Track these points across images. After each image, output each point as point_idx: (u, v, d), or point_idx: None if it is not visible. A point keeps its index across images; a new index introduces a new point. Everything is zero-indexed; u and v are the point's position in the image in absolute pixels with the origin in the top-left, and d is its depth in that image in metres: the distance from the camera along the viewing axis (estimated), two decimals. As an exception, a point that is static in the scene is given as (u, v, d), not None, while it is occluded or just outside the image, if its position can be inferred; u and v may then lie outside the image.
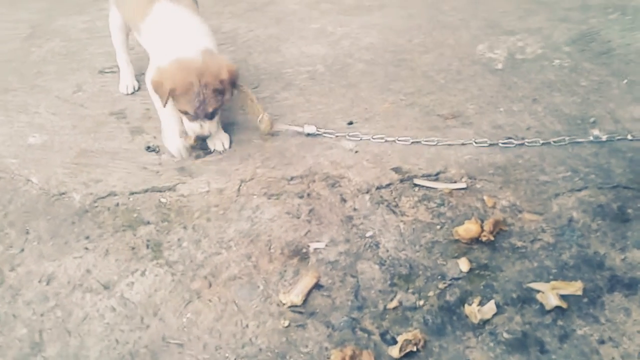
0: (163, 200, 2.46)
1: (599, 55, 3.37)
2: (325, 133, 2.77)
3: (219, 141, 2.74)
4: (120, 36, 3.16)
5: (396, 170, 2.55)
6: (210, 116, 2.62)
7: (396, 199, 2.42)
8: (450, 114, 2.90)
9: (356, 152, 2.67)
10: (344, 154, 2.66)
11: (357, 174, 2.55)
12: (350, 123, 2.87)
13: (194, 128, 2.62)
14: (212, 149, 2.74)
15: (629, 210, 2.31)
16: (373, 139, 2.72)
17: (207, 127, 2.62)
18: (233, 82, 2.65)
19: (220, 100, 2.61)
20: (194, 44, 2.61)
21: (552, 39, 3.58)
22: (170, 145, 2.70)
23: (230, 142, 2.77)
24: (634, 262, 2.10)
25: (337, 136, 2.76)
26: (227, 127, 2.83)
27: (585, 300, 1.98)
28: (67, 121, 2.97)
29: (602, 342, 1.87)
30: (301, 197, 2.45)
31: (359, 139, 2.74)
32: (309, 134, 2.77)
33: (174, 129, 2.70)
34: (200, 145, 2.73)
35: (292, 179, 2.54)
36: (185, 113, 2.59)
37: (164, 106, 2.59)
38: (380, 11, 4.10)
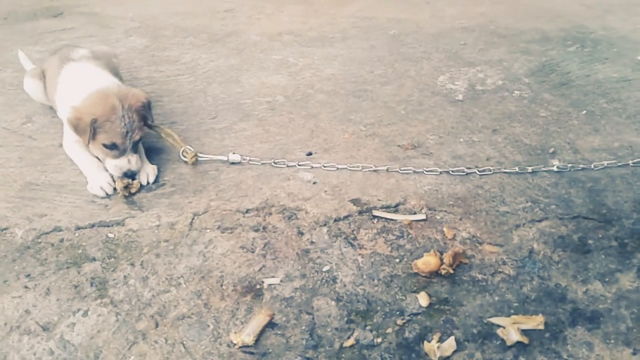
0: (111, 235, 2.34)
1: (558, 87, 3.39)
2: (251, 161, 2.73)
3: (144, 173, 2.62)
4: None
5: (355, 202, 2.49)
6: (135, 149, 2.56)
7: (354, 232, 2.34)
8: (410, 144, 2.85)
9: (314, 183, 2.60)
10: (302, 186, 2.59)
11: (315, 206, 2.47)
12: (310, 154, 2.81)
13: (122, 165, 2.52)
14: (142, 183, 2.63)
15: (590, 241, 2.27)
16: (324, 167, 2.67)
17: (135, 161, 2.55)
18: (150, 109, 2.64)
19: (143, 127, 2.58)
20: (107, 80, 2.64)
21: (512, 70, 3.61)
22: (94, 185, 2.54)
23: (157, 175, 2.66)
24: (596, 294, 2.05)
25: (263, 163, 2.72)
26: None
27: (547, 334, 1.91)
28: (13, 153, 2.84)
29: (565, 379, 1.80)
30: (256, 230, 2.36)
31: (285, 165, 2.72)
32: (232, 163, 2.73)
33: (96, 167, 2.59)
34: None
35: (247, 211, 2.45)
36: (111, 147, 2.50)
37: (88, 143, 2.50)
38: (342, 43, 4.10)
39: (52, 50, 3.40)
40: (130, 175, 2.55)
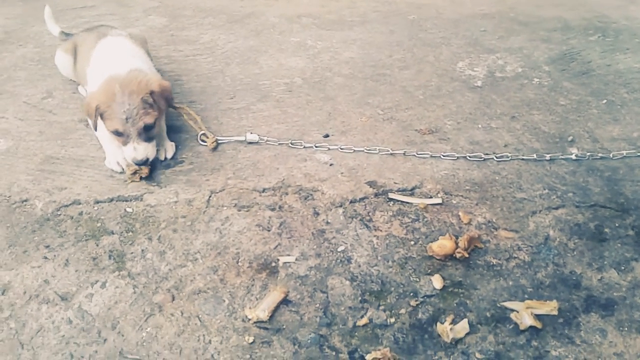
0: (129, 209, 2.37)
1: (578, 75, 3.36)
2: (268, 141, 2.74)
3: (162, 149, 2.65)
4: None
5: (371, 184, 2.49)
6: (144, 137, 2.50)
7: (370, 214, 2.35)
8: (428, 129, 2.85)
9: (331, 165, 2.61)
10: (319, 167, 2.60)
11: (331, 187, 2.48)
12: (327, 136, 2.81)
13: (128, 153, 2.50)
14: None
15: (606, 230, 2.26)
16: (342, 149, 2.68)
17: (142, 149, 2.49)
18: (166, 98, 2.59)
19: (152, 114, 2.51)
20: (124, 64, 2.60)
21: (533, 58, 3.58)
22: (111, 160, 2.59)
23: (175, 153, 2.68)
24: (611, 282, 2.05)
25: (280, 144, 2.74)
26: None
27: (561, 320, 1.92)
28: (34, 127, 2.87)
29: (577, 364, 1.81)
30: (273, 209, 2.38)
31: (302, 146, 2.72)
32: (250, 142, 2.74)
33: (115, 144, 2.59)
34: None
35: (264, 190, 2.47)
36: (116, 134, 2.50)
37: (95, 128, 2.54)
38: (361, 27, 4.08)
39: (86, 28, 3.40)
40: (139, 163, 2.51)
